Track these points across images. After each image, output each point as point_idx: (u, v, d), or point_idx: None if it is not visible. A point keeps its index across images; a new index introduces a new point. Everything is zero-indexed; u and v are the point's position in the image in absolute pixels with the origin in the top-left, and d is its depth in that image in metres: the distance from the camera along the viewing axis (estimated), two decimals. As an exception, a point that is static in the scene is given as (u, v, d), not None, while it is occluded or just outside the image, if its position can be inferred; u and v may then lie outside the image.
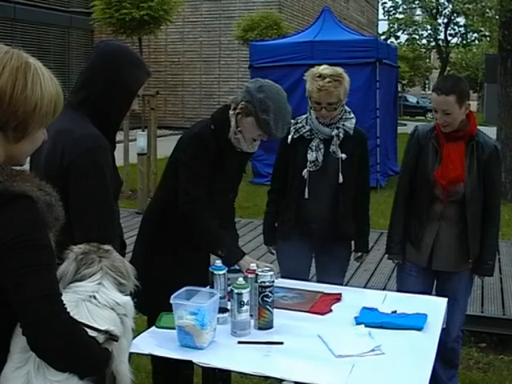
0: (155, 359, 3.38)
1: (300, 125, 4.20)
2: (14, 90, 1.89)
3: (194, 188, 3.55)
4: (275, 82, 3.65)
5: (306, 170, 4.17)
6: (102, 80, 2.87)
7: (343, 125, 4.16)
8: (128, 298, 2.24)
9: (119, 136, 6.70)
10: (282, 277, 4.07)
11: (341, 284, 4.20)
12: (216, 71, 25.74)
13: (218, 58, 25.67)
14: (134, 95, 2.96)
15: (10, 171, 1.94)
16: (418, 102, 45.78)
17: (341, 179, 4.15)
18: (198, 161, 3.55)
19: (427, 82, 61.59)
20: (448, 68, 49.48)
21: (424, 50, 52.58)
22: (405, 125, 23.44)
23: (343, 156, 4.14)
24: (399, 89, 26.01)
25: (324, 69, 4.08)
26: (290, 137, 4.16)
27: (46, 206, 1.95)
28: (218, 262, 3.33)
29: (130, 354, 2.38)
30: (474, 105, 40.07)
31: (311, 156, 4.16)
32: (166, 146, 9.90)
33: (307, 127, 4.18)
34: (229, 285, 3.21)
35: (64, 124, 2.75)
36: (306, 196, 4.18)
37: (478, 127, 4.15)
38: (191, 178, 3.56)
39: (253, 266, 3.30)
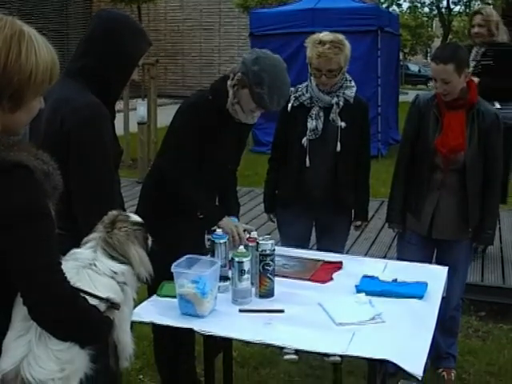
0: (157, 328, 3.40)
1: (300, 93, 4.20)
2: (8, 58, 1.86)
3: (181, 154, 3.55)
4: (275, 51, 3.62)
5: (305, 139, 4.18)
6: (102, 49, 2.84)
7: (343, 93, 4.16)
8: (127, 267, 2.23)
9: (119, 105, 6.67)
10: (282, 245, 4.10)
11: (341, 252, 4.22)
12: (216, 39, 25.58)
13: (218, 25, 25.50)
14: (134, 65, 2.94)
15: (7, 141, 1.92)
16: (419, 71, 45.51)
17: (338, 147, 4.16)
18: (190, 129, 3.54)
19: (429, 50, 61.14)
20: (450, 36, 49.04)
21: (426, 18, 52.14)
22: (406, 93, 23.35)
23: (343, 124, 4.15)
24: (401, 57, 25.81)
25: (325, 35, 4.07)
26: (289, 105, 4.16)
27: (43, 175, 1.93)
28: (219, 231, 3.34)
29: (132, 322, 2.39)
30: (475, 73, 39.78)
31: (311, 124, 4.16)
32: (167, 115, 9.84)
33: (307, 95, 4.18)
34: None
35: (63, 93, 2.74)
36: (307, 164, 4.19)
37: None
38: (180, 145, 3.56)
39: (254, 234, 3.31)
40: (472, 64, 6.02)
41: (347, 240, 4.67)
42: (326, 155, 4.21)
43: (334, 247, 4.14)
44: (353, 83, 4.22)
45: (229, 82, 3.53)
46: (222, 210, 3.71)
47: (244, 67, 3.46)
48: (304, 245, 4.28)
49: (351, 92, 4.18)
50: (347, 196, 4.31)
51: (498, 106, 5.72)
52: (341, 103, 4.16)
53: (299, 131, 4.20)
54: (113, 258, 2.22)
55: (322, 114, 4.17)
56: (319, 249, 4.36)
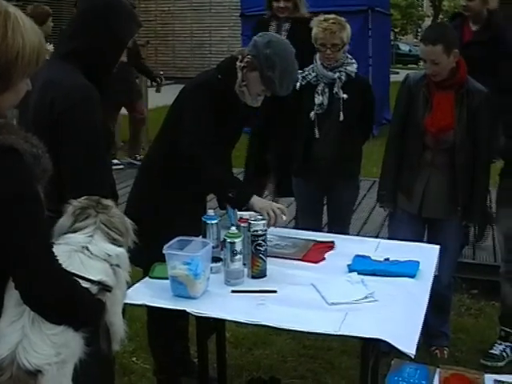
0: (150, 309, 3.40)
1: (307, 73, 4.58)
2: None
3: (201, 132, 3.44)
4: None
5: (313, 113, 4.55)
6: (92, 30, 2.83)
7: (345, 69, 4.54)
8: (122, 250, 2.23)
9: (110, 87, 6.61)
10: (298, 211, 5.07)
11: (348, 221, 4.97)
12: (207, 20, 25.38)
13: (208, 6, 25.29)
14: (124, 46, 2.93)
15: None
16: (410, 51, 45.31)
17: (341, 117, 4.49)
18: (206, 108, 3.46)
19: (420, 30, 60.95)
20: (441, 16, 48.96)
21: (417, -2, 52.04)
22: (397, 73, 23.21)
23: (345, 96, 4.51)
24: (391, 37, 25.72)
25: (328, 15, 4.55)
26: (298, 84, 4.48)
27: (32, 158, 1.91)
28: (211, 212, 3.33)
29: (125, 304, 2.39)
30: (466, 52, 39.69)
31: (318, 99, 4.54)
32: (158, 96, 9.81)
33: (313, 74, 4.57)
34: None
35: (53, 74, 2.73)
36: (316, 136, 4.57)
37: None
38: (198, 123, 3.46)
39: (244, 214, 3.30)
40: None
41: (354, 207, 5.19)
42: (332, 127, 4.55)
43: (340, 215, 4.83)
44: (354, 61, 4.60)
45: (238, 64, 3.50)
46: (251, 187, 3.69)
47: (255, 50, 3.43)
48: (317, 209, 4.88)
49: (352, 68, 4.55)
50: (351, 166, 4.71)
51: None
52: (343, 78, 4.52)
53: (307, 107, 4.56)
54: (113, 240, 2.23)
55: (326, 89, 4.54)
56: (329, 215, 4.93)
